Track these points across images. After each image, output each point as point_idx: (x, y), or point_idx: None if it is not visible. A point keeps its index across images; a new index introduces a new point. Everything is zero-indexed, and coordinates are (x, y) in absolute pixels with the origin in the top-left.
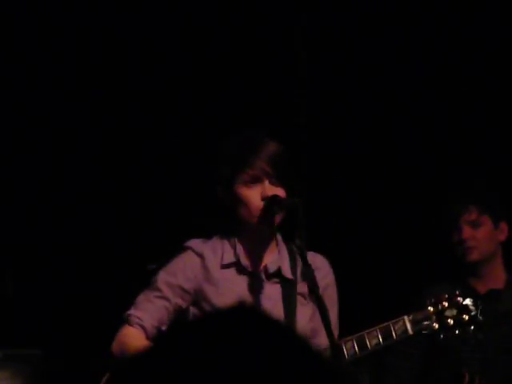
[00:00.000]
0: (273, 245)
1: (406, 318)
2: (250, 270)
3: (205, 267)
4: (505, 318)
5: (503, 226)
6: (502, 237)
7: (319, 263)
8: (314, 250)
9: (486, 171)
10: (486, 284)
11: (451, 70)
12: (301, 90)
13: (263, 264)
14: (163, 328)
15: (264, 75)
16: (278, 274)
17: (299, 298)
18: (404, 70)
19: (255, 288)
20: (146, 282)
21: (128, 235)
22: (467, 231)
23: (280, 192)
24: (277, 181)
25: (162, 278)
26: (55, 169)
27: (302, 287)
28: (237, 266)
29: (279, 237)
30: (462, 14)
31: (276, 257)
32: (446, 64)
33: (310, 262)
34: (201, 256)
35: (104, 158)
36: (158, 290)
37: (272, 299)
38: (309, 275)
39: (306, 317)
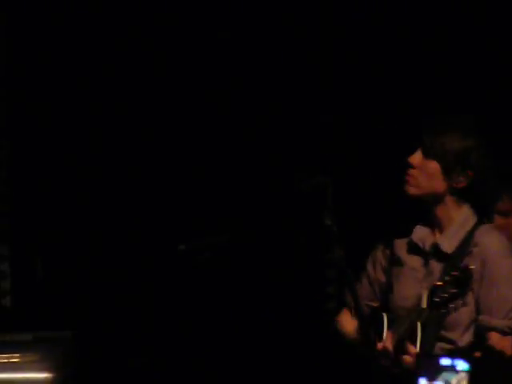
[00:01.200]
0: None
1: None
2: None
3: None
4: None
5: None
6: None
7: (487, 242)
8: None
9: None
10: None
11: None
12: None
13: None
14: (373, 304)
15: None
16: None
17: None
18: None
19: None
20: (177, 262)
21: (155, 215)
22: (498, 220)
23: None
24: None
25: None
26: (80, 156)
27: None
28: None
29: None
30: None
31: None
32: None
33: (476, 238)
34: None
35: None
36: (364, 268)
37: None
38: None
39: None
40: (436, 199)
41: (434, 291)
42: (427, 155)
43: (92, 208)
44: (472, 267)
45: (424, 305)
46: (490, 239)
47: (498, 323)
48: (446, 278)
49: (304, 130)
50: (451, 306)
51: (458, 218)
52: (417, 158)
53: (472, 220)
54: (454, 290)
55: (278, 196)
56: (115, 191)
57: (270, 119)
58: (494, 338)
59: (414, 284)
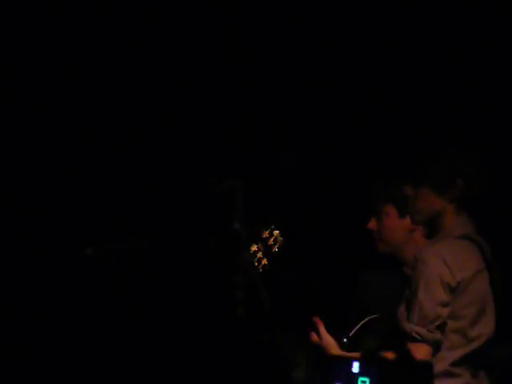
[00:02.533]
0: None
1: None
2: None
3: None
4: None
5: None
6: (412, 226)
7: (418, 254)
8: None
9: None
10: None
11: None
12: None
13: None
14: None
15: None
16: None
17: None
18: None
19: None
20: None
21: (63, 217)
22: (372, 222)
23: None
24: None
25: None
26: None
27: None
28: None
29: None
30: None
31: None
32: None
33: None
34: None
35: None
36: None
37: None
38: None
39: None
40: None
41: None
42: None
43: None
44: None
45: None
46: (421, 252)
47: (408, 328)
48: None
49: (214, 134)
50: None
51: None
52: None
53: (455, 233)
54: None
55: (188, 199)
56: (19, 193)
57: (180, 123)
58: (407, 343)
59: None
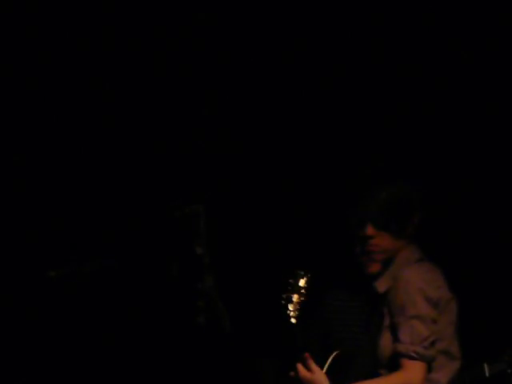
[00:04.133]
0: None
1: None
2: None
3: None
4: None
5: None
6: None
7: (401, 274)
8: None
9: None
10: None
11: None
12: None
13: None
14: None
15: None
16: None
17: None
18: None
19: None
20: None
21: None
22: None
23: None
24: None
25: None
26: None
27: None
28: None
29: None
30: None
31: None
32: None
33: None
34: None
35: None
36: None
37: None
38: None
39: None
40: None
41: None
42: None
43: None
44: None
45: None
46: (404, 272)
47: (402, 348)
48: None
49: (178, 155)
50: None
51: (398, 259)
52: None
53: (413, 258)
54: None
55: (150, 223)
56: None
57: (146, 145)
58: (403, 363)
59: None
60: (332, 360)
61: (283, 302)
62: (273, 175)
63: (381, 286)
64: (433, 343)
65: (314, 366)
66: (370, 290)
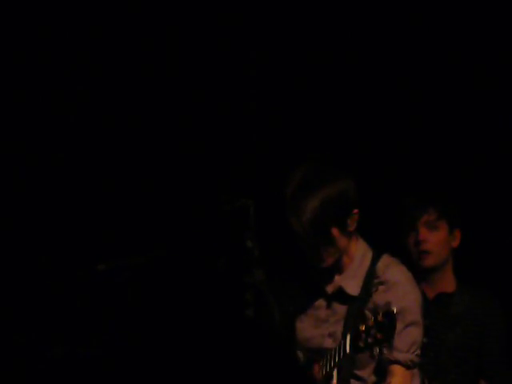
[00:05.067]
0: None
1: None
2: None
3: None
4: (457, 320)
5: (457, 233)
6: (455, 243)
7: (391, 277)
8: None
9: (443, 176)
10: (435, 289)
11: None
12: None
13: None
14: None
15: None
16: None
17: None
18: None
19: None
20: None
21: (75, 233)
22: (424, 233)
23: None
24: None
25: None
26: None
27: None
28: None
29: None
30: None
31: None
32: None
33: (379, 273)
34: None
35: None
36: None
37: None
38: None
39: None
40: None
41: (357, 336)
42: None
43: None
44: (394, 310)
45: (347, 349)
46: (394, 275)
47: (401, 357)
48: (369, 323)
49: (228, 151)
50: (375, 349)
51: (356, 254)
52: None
53: (369, 253)
54: (380, 335)
55: (200, 217)
56: (31, 207)
57: (195, 140)
58: (398, 371)
59: (317, 325)
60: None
61: None
62: None
63: (350, 287)
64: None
65: None
66: (325, 291)
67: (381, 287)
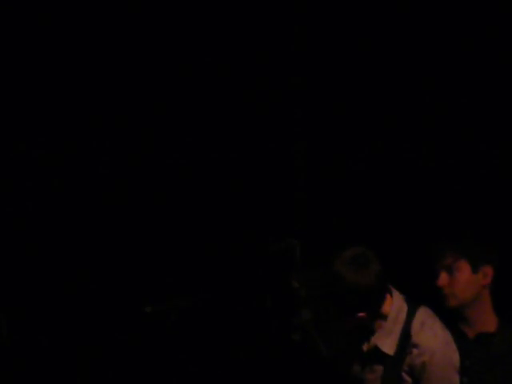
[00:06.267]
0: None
1: None
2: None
3: None
4: (497, 361)
5: (486, 269)
6: (485, 281)
7: (425, 342)
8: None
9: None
10: (474, 328)
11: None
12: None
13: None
14: None
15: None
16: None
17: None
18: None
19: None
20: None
21: (122, 274)
22: (443, 277)
23: None
24: None
25: None
26: None
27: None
28: None
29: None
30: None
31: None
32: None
33: (413, 332)
34: None
35: None
36: None
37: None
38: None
39: None
40: None
41: None
42: None
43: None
44: None
45: None
46: (427, 340)
47: None
48: None
49: (275, 191)
50: None
51: (391, 311)
52: None
53: (404, 308)
54: None
55: (247, 257)
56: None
57: (243, 180)
58: None
59: (354, 381)
60: None
61: None
62: (363, 209)
63: (386, 346)
64: None
65: None
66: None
67: (415, 351)
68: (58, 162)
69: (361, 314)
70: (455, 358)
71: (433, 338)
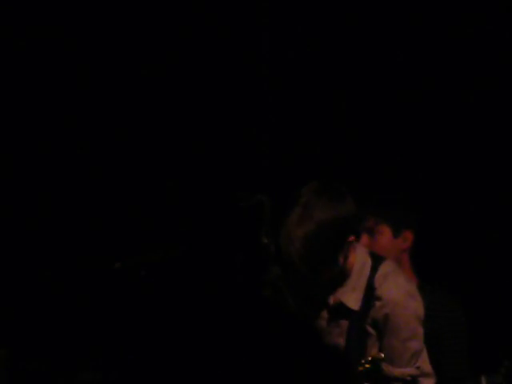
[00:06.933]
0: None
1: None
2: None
3: None
4: None
5: (407, 234)
6: (405, 245)
7: (386, 294)
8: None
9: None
10: None
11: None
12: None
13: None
14: None
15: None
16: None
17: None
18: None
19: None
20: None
21: (90, 231)
22: (364, 239)
23: None
24: None
25: None
26: None
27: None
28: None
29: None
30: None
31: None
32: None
33: (376, 285)
34: None
35: None
36: None
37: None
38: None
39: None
40: None
41: None
42: None
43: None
44: (382, 356)
45: None
46: (389, 291)
47: (399, 372)
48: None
49: (242, 147)
50: None
51: (355, 264)
52: None
53: (368, 262)
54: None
55: (215, 214)
56: (49, 205)
57: (210, 137)
58: None
59: (321, 336)
60: None
61: None
62: (335, 165)
63: (351, 301)
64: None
65: None
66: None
67: (377, 303)
68: (52, 162)
69: (351, 238)
70: (419, 309)
71: (395, 290)
